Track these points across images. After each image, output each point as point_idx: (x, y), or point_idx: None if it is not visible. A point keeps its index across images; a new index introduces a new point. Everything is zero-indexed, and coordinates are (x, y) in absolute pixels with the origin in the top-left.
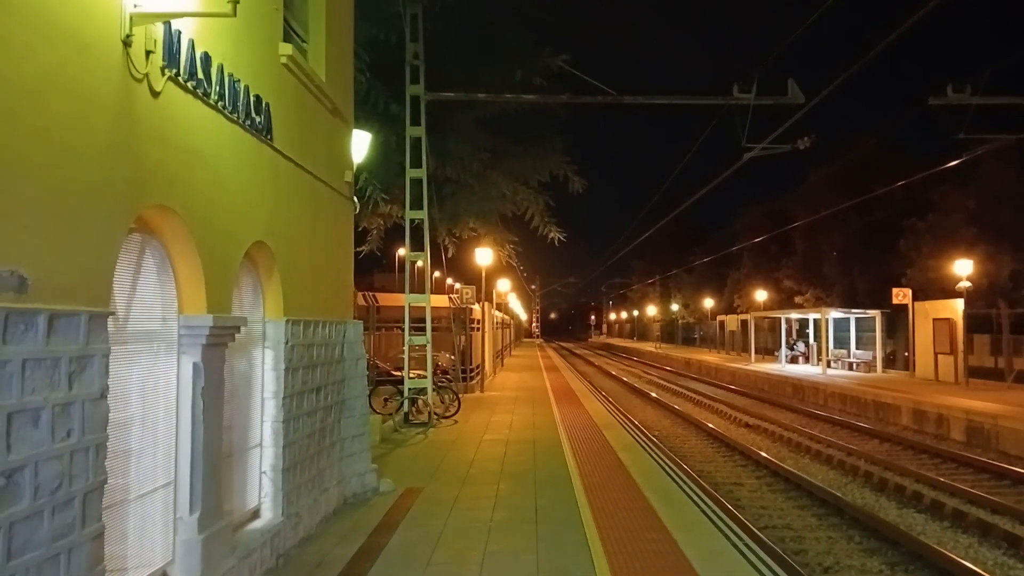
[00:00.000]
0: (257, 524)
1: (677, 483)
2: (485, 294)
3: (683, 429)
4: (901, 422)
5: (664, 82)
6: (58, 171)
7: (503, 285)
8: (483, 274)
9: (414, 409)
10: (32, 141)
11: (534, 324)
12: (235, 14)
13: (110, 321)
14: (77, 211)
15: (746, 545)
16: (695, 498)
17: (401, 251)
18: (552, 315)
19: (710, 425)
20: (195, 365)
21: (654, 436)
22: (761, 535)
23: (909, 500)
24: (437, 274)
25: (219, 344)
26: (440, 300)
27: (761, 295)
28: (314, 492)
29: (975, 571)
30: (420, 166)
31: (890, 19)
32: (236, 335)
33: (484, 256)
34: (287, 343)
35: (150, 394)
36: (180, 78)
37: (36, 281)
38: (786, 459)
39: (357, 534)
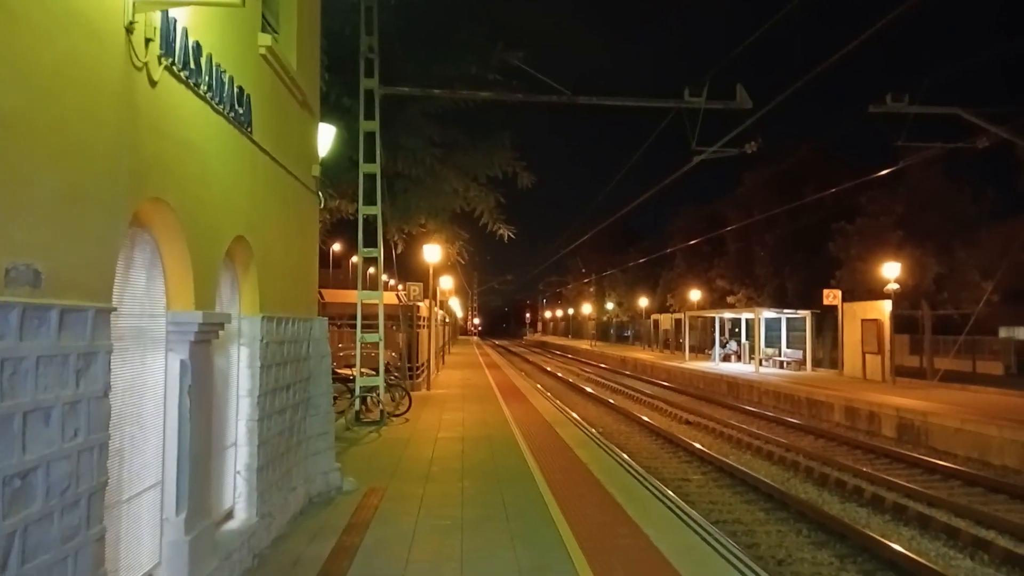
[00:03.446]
0: (233, 524)
1: (639, 480)
2: (430, 292)
3: (626, 426)
4: (834, 419)
5: (614, 86)
6: (70, 161)
7: (445, 283)
8: (430, 271)
9: (364, 407)
10: (48, 131)
11: (470, 321)
12: (244, 4)
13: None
14: (85, 203)
15: (717, 540)
16: (659, 495)
17: (336, 246)
18: (488, 312)
19: (652, 422)
20: (182, 362)
21: (597, 433)
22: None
23: (850, 494)
24: (372, 270)
25: (205, 341)
26: (388, 297)
27: (695, 295)
28: (283, 491)
29: (921, 563)
30: (374, 161)
31: (840, 29)
32: (220, 332)
33: (432, 253)
34: (262, 340)
35: (139, 392)
36: (175, 67)
37: (48, 275)
38: (728, 455)
39: (328, 533)
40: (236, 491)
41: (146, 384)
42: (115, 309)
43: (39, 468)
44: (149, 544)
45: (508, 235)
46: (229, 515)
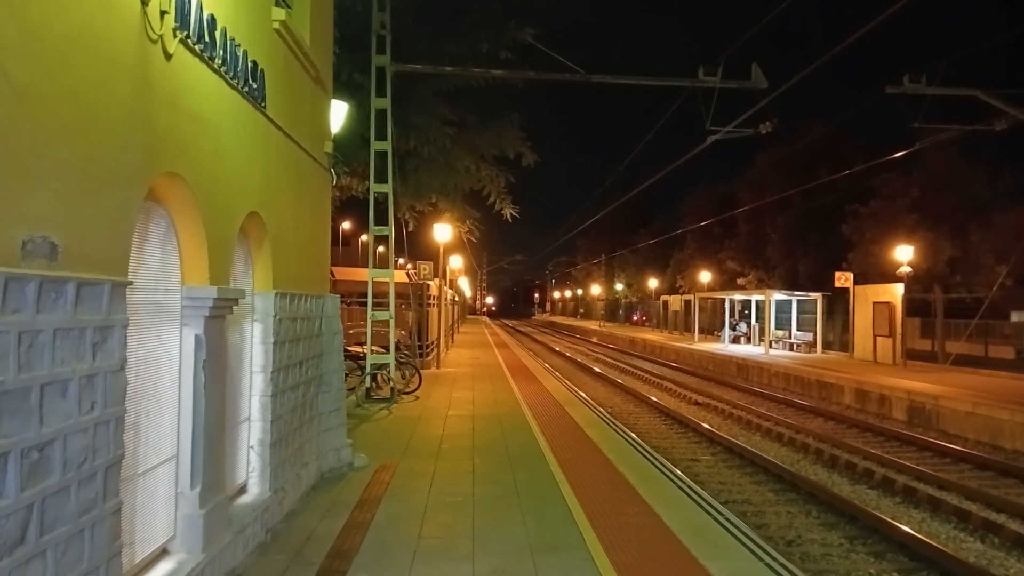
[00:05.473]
0: (246, 499)
1: (650, 460)
2: (440, 271)
3: (635, 406)
4: (844, 401)
5: (626, 65)
6: (85, 135)
7: (455, 262)
8: (441, 251)
9: (374, 385)
10: (63, 103)
11: (479, 301)
12: None
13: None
14: (100, 177)
15: (727, 520)
16: (669, 474)
17: (346, 224)
18: (497, 292)
19: (661, 403)
20: (197, 337)
21: (607, 413)
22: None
23: (860, 476)
24: (381, 249)
25: (220, 316)
26: (399, 276)
27: (705, 276)
28: (296, 467)
29: (931, 544)
30: (385, 138)
31: (858, 8)
32: (234, 307)
33: (442, 232)
34: (275, 316)
35: (155, 366)
36: (190, 40)
37: (64, 249)
38: (738, 436)
39: (340, 509)
40: (249, 466)
41: (161, 358)
42: (131, 283)
43: (56, 441)
44: (164, 517)
45: (513, 214)
46: (242, 490)
